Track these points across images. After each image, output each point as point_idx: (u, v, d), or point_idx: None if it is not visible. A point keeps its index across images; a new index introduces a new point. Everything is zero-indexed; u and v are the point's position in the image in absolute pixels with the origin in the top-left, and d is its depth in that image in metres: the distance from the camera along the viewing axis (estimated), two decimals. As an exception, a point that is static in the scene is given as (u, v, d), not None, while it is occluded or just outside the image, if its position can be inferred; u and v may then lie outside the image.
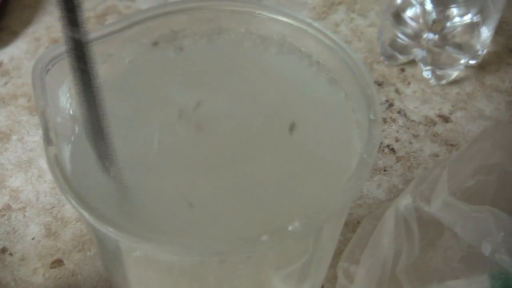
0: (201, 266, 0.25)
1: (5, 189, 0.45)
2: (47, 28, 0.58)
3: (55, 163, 0.23)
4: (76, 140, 0.27)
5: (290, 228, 0.21)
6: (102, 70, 0.28)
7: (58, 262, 0.41)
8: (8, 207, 0.44)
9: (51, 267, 0.41)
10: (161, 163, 0.28)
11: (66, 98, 0.27)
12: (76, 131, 0.27)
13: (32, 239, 0.42)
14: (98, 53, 0.28)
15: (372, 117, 0.24)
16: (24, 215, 0.44)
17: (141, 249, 0.23)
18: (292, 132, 0.28)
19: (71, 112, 0.27)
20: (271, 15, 0.29)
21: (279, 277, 0.27)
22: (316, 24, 0.28)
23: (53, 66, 0.27)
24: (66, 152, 0.26)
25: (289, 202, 0.25)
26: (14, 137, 0.49)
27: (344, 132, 0.27)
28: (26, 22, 0.59)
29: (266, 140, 0.28)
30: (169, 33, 0.30)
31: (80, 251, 0.41)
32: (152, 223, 0.26)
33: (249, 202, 0.26)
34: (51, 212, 0.44)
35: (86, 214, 0.22)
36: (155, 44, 0.30)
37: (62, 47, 0.27)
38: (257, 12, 0.29)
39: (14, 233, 0.43)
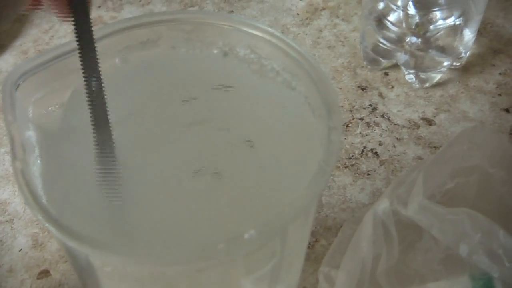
0: (171, 276, 0.26)
1: (-7, 201, 0.46)
2: (34, 41, 0.58)
3: (22, 177, 0.24)
4: (47, 154, 0.27)
5: (246, 236, 0.21)
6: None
7: (45, 273, 0.42)
8: (-5, 220, 0.44)
9: (38, 278, 0.41)
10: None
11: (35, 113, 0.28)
12: (45, 146, 0.27)
13: (20, 250, 0.43)
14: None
15: (332, 125, 0.24)
16: (12, 227, 0.44)
17: (102, 259, 0.23)
18: (251, 146, 0.28)
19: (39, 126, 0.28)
20: (236, 26, 0.29)
21: (250, 281, 0.27)
22: (278, 34, 0.28)
23: (23, 81, 0.27)
24: (36, 166, 0.26)
25: (250, 210, 0.26)
26: (2, 150, 0.49)
27: (305, 140, 0.27)
28: (14, 36, 0.59)
29: (227, 151, 0.28)
30: (136, 45, 0.30)
31: (66, 261, 0.42)
32: (122, 232, 0.26)
33: (212, 212, 0.26)
34: (37, 224, 0.44)
35: (52, 229, 0.23)
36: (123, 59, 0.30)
37: (33, 62, 0.28)
38: (222, 23, 0.29)
39: (2, 245, 0.43)
